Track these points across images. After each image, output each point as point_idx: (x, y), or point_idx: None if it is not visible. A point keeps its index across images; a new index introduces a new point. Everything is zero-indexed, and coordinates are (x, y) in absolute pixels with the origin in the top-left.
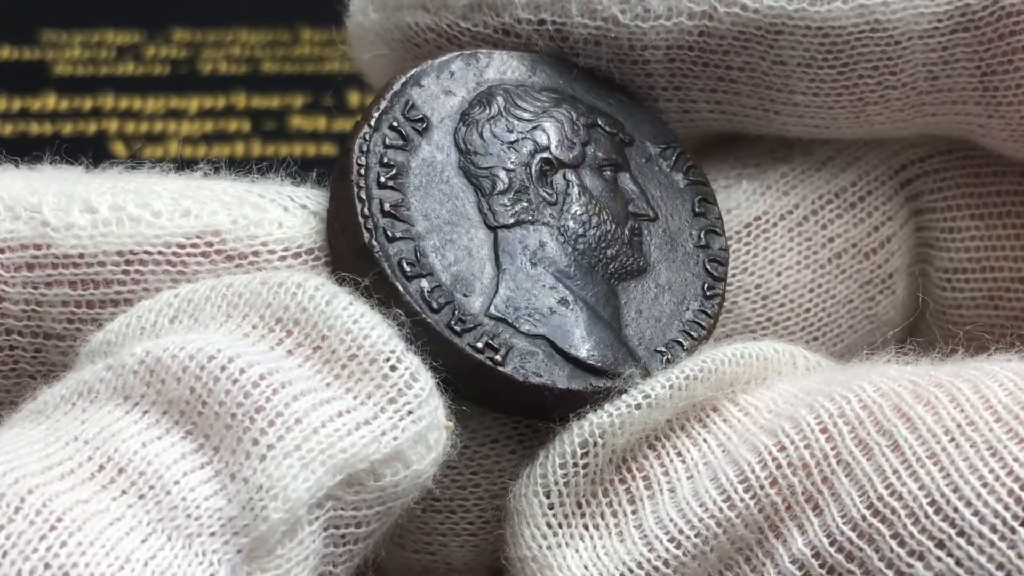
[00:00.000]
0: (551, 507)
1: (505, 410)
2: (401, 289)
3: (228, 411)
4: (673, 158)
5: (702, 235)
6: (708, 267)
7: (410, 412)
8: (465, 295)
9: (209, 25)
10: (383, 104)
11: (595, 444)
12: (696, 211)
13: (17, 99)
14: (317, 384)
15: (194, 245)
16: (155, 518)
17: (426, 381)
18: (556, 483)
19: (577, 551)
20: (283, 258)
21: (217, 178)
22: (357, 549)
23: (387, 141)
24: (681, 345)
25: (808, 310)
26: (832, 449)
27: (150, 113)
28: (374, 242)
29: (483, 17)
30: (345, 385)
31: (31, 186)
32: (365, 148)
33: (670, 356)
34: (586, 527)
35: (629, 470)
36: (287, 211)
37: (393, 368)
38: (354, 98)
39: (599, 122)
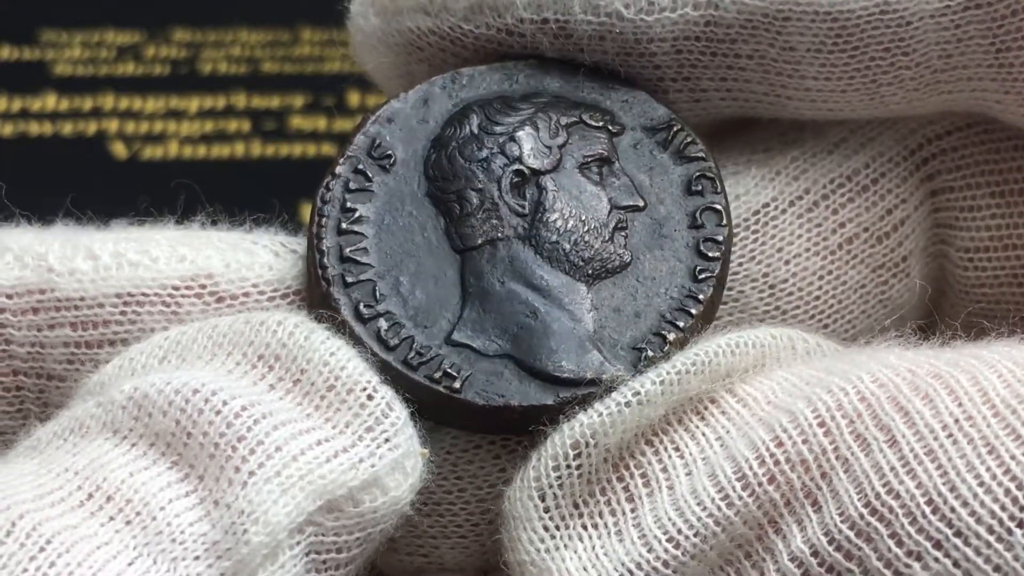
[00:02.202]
0: (547, 510)
1: (482, 431)
2: (358, 332)
3: (211, 441)
4: (667, 138)
5: (697, 215)
6: (702, 247)
7: (387, 440)
8: (426, 327)
9: (209, 25)
10: (348, 150)
11: (586, 444)
12: (691, 190)
13: (17, 99)
14: (297, 415)
15: (188, 287)
16: (141, 543)
17: (401, 411)
18: (550, 485)
19: (576, 552)
20: (272, 299)
21: (214, 228)
22: (338, 574)
23: (350, 186)
24: (663, 338)
25: (818, 298)
26: (831, 444)
27: (150, 113)
28: (331, 290)
29: (484, 19)
30: (324, 415)
31: (40, 238)
32: (327, 197)
33: (650, 352)
34: (584, 527)
35: (627, 467)
36: (277, 256)
37: (370, 398)
38: (354, 98)
39: (583, 117)
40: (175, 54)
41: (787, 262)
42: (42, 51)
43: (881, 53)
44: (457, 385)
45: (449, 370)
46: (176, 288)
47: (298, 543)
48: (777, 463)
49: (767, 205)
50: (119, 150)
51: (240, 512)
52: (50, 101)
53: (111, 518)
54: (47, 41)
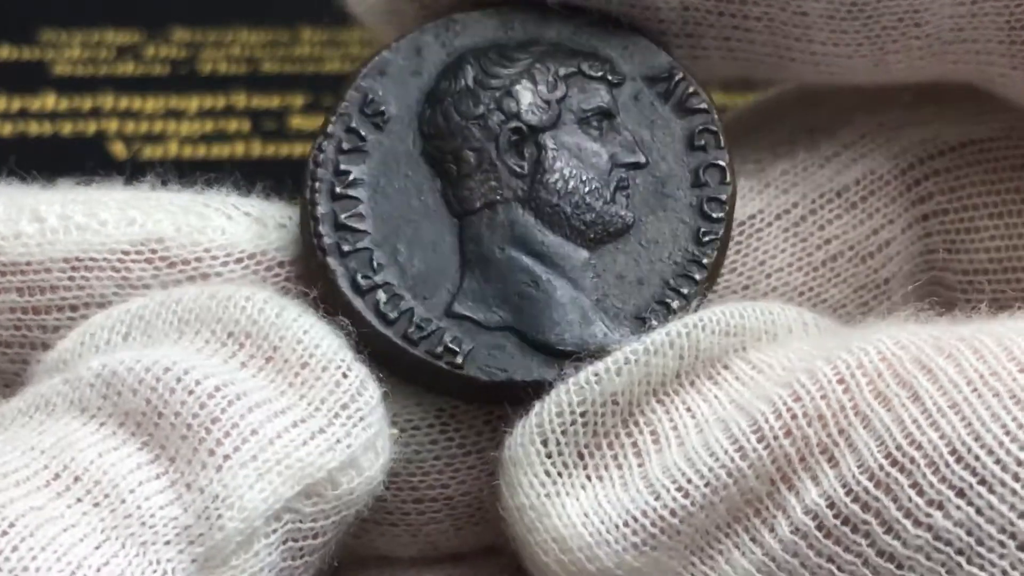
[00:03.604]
0: (549, 455)
1: (483, 404)
2: (356, 306)
3: (183, 422)
4: (668, 88)
5: (701, 172)
6: (705, 208)
7: (362, 418)
8: (426, 297)
9: (209, 25)
10: (339, 108)
11: (592, 392)
12: (694, 145)
13: (16, 99)
14: (272, 394)
15: (138, 252)
16: (109, 526)
17: (374, 389)
18: (553, 431)
19: (578, 500)
20: (225, 263)
21: (164, 189)
22: (312, 560)
23: (343, 146)
24: (668, 307)
25: None
26: (849, 400)
27: (150, 113)
28: (328, 260)
29: None
30: (299, 392)
31: None
32: (319, 159)
33: (654, 321)
34: (588, 478)
35: (636, 423)
36: (230, 219)
37: (344, 375)
38: None
39: (582, 67)
40: (175, 54)
41: (769, 276)
42: (41, 51)
43: (894, 23)
44: (459, 360)
45: (451, 344)
46: (126, 253)
47: (274, 531)
48: (794, 417)
49: (753, 217)
50: (119, 150)
51: (214, 496)
52: (49, 101)
53: (78, 499)
54: (46, 41)
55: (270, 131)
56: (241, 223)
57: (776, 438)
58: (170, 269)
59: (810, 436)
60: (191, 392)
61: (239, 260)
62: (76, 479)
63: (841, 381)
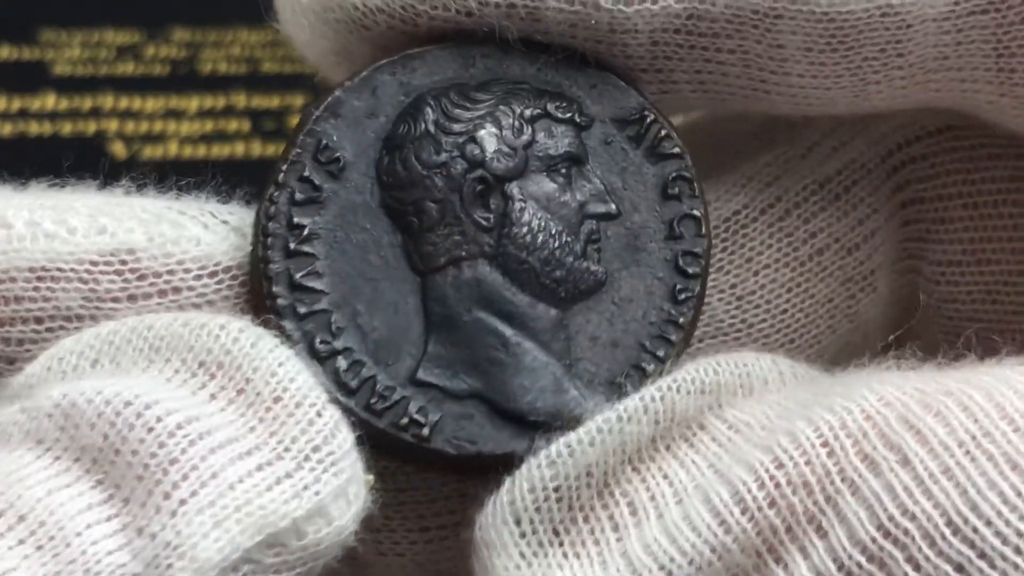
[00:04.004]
0: (523, 535)
1: (450, 474)
2: (314, 373)
3: (141, 461)
4: (640, 131)
5: (675, 224)
6: (680, 263)
7: (333, 464)
8: (388, 364)
9: (209, 25)
10: (291, 154)
11: (565, 466)
12: (668, 194)
13: (16, 99)
14: (239, 430)
15: (107, 263)
16: (52, 571)
17: (347, 433)
18: (526, 509)
19: None
20: (198, 276)
21: (139, 195)
22: None
23: (296, 197)
24: (643, 371)
25: (785, 311)
26: (835, 465)
27: (150, 113)
28: (284, 323)
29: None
30: (269, 429)
31: None
32: (271, 212)
33: (628, 387)
34: (565, 556)
35: (612, 495)
36: (207, 228)
37: (319, 414)
38: None
39: (548, 108)
40: (175, 54)
41: (756, 273)
42: (41, 51)
43: (875, 54)
44: (425, 432)
45: (416, 415)
46: (94, 264)
47: None
48: (778, 485)
49: (738, 213)
50: (119, 150)
51: (166, 544)
52: (49, 101)
53: (21, 541)
54: (46, 41)
55: (270, 131)
56: (218, 232)
57: (760, 509)
58: (140, 282)
59: (795, 505)
60: (151, 429)
61: (213, 274)
62: (21, 518)
63: (825, 444)
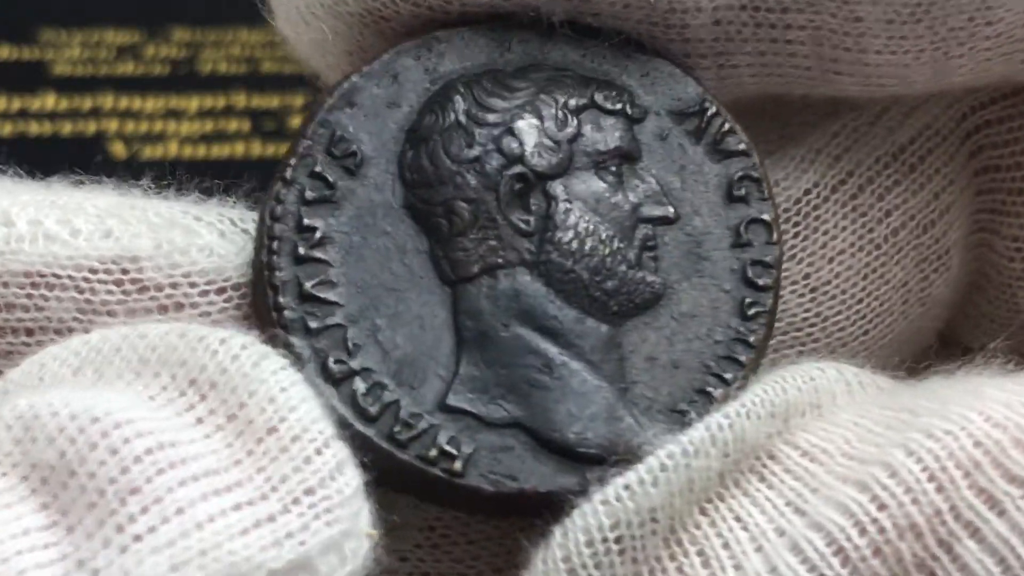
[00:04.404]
0: None
1: (488, 516)
2: (328, 397)
3: (97, 487)
4: (700, 125)
5: (742, 229)
6: (749, 273)
7: (328, 510)
8: (414, 387)
9: (209, 25)
10: (301, 146)
11: (627, 514)
12: (733, 196)
13: (16, 99)
14: (222, 462)
15: (108, 271)
16: None
17: (352, 477)
18: (584, 566)
19: None
20: (204, 292)
21: (159, 195)
22: None
23: (307, 196)
24: (709, 396)
25: (861, 300)
26: (946, 503)
27: (149, 113)
28: (291, 340)
29: None
30: (258, 464)
31: None
32: (278, 212)
33: (693, 414)
34: None
35: (679, 543)
36: (223, 237)
37: (318, 452)
38: None
39: (596, 99)
40: (175, 54)
41: (831, 261)
42: (41, 50)
43: (963, 23)
44: (458, 466)
45: (447, 447)
46: (93, 271)
47: None
48: (882, 531)
49: (808, 192)
50: (118, 150)
51: None
52: (49, 101)
53: None
54: (46, 40)
55: (270, 131)
56: (236, 242)
57: (864, 560)
58: (140, 295)
59: (903, 552)
60: (114, 452)
61: (221, 290)
62: None
63: (932, 478)
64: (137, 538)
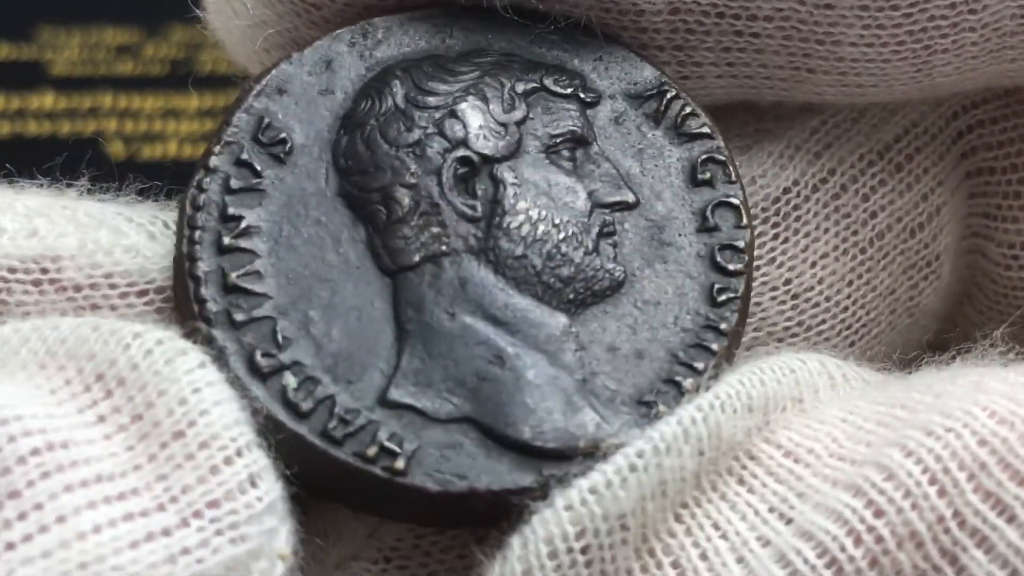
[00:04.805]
0: None
1: (436, 525)
2: (255, 392)
3: None
4: (658, 108)
5: (708, 213)
6: (718, 258)
7: (232, 526)
8: (351, 381)
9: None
10: (225, 134)
11: (594, 520)
12: (697, 179)
13: (14, 98)
14: (120, 466)
15: (27, 271)
16: None
17: (269, 490)
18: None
19: None
20: (124, 294)
21: (97, 197)
22: None
23: (231, 184)
24: (678, 387)
25: (846, 308)
26: (950, 508)
27: (148, 112)
28: (214, 332)
29: None
30: (159, 470)
31: None
32: (200, 201)
33: (661, 406)
34: None
35: (652, 553)
36: (152, 238)
37: (228, 461)
38: None
39: (545, 82)
40: (174, 53)
41: (813, 264)
42: (40, 50)
43: (944, 11)
44: (400, 465)
45: (387, 443)
46: (12, 271)
47: None
48: (879, 540)
49: (787, 191)
50: (117, 149)
51: None
52: (48, 100)
53: None
54: (45, 39)
55: None
56: (164, 244)
57: (859, 572)
58: (57, 295)
59: (903, 564)
60: None
61: (143, 292)
62: None
63: (933, 480)
64: (10, 546)
